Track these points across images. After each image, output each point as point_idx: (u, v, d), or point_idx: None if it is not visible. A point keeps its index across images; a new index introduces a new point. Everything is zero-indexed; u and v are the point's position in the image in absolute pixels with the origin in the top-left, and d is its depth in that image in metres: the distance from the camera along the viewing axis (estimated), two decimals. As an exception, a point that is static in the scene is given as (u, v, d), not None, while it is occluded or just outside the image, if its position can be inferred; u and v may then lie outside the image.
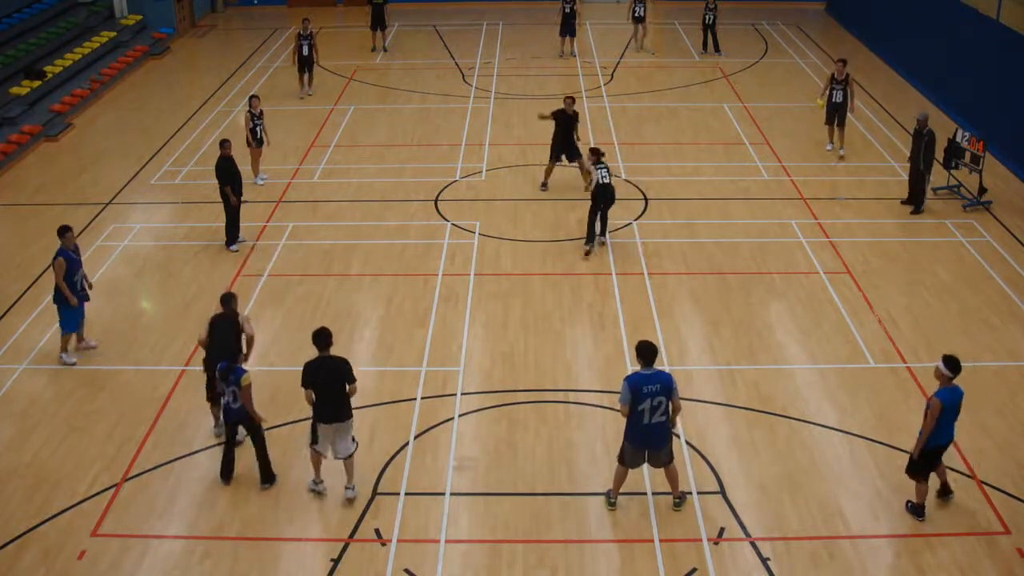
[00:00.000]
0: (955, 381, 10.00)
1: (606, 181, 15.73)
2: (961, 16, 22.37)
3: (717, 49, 27.25)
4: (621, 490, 10.55)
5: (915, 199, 17.49)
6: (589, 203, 15.95)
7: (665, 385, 9.84)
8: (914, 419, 11.69)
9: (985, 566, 9.80)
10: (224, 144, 15.83)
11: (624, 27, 28.90)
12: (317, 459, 10.62)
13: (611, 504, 10.54)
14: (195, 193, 18.54)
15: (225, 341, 11.06)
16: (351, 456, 10.54)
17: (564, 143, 18.17)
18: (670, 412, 9.98)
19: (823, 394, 12.51)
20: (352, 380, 10.24)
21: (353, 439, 10.60)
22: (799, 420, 11.98)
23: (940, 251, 16.16)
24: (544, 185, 18.66)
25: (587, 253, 15.97)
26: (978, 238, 16.57)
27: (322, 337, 10.25)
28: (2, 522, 10.47)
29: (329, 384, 10.19)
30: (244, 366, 10.63)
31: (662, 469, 10.44)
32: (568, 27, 26.75)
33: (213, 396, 11.53)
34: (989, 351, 13.42)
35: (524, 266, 15.75)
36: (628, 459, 10.31)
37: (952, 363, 9.94)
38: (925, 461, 10.25)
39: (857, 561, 9.88)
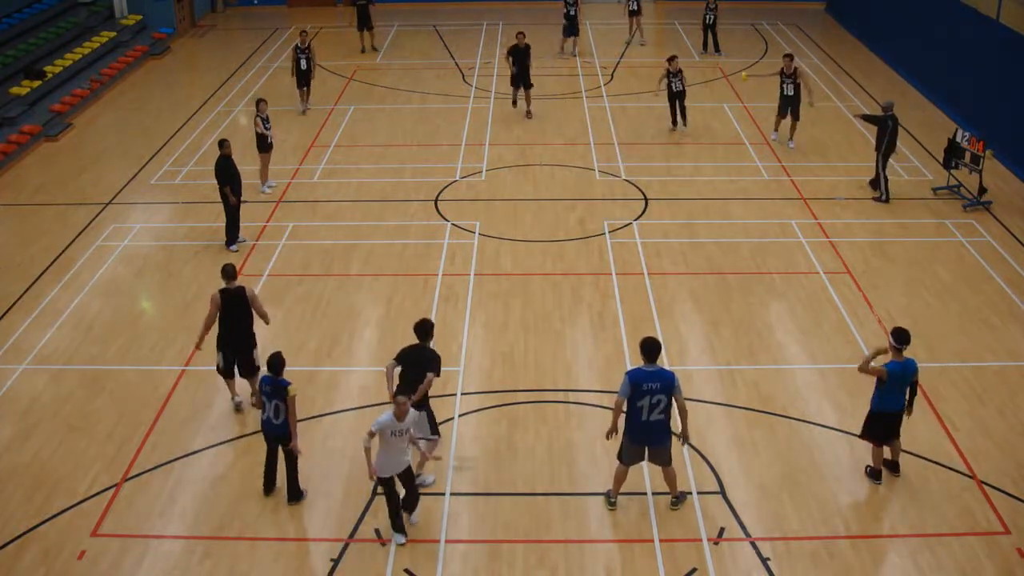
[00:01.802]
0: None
1: (679, 89, 20.40)
2: (961, 16, 22.36)
3: (717, 49, 27.25)
4: (621, 490, 10.55)
5: (875, 184, 18.08)
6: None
7: (666, 383, 9.84)
8: (914, 418, 11.70)
9: (985, 566, 9.80)
10: (223, 144, 15.84)
11: (624, 27, 28.92)
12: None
13: (611, 504, 10.54)
14: (195, 193, 18.55)
15: (240, 315, 11.63)
16: (429, 442, 10.65)
17: (521, 73, 22.04)
18: (671, 411, 9.98)
19: (823, 394, 12.51)
20: (432, 370, 10.60)
21: (436, 431, 10.86)
22: (799, 420, 11.98)
23: (940, 251, 16.16)
24: (515, 103, 22.62)
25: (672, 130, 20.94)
26: (978, 238, 16.57)
27: (419, 327, 10.86)
28: (2, 522, 10.48)
29: (411, 368, 10.66)
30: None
31: (660, 469, 10.44)
32: (572, 28, 26.99)
33: (226, 372, 12.07)
34: (989, 351, 13.42)
35: (524, 266, 15.76)
36: (627, 456, 10.31)
37: (898, 335, 10.40)
38: (875, 425, 10.68)
39: (857, 561, 9.89)
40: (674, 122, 21.30)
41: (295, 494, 10.68)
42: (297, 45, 22.45)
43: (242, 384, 12.36)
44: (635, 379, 9.86)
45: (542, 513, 10.53)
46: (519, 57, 21.81)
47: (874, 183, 18.14)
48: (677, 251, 16.16)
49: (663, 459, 10.30)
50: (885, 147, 17.66)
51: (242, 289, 11.79)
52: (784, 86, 19.75)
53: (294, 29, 30.74)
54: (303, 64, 22.35)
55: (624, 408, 10.00)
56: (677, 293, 14.88)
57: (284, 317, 14.34)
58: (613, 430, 10.17)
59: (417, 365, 10.62)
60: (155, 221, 17.69)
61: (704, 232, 16.81)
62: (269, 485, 10.79)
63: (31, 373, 13.17)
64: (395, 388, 10.54)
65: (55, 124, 22.04)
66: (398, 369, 10.74)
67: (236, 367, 12.09)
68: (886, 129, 17.54)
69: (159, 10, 29.64)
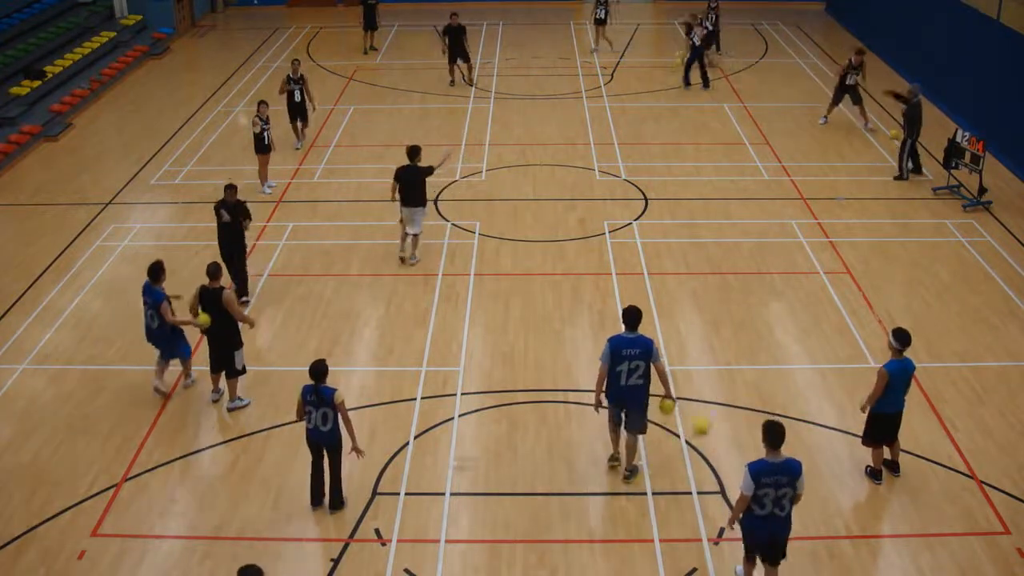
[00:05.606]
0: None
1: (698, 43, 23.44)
2: (961, 16, 22.36)
3: (718, 49, 27.22)
4: (621, 491, 10.63)
5: (900, 167, 19.02)
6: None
7: (644, 349, 10.21)
8: (914, 418, 11.73)
9: (985, 566, 9.80)
10: (229, 189, 14.16)
11: (623, 27, 28.91)
12: None
13: (613, 463, 10.95)
14: (195, 193, 18.55)
15: (216, 314, 11.80)
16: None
17: (457, 50, 24.14)
18: (650, 378, 10.34)
19: (823, 394, 12.51)
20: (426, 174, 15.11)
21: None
22: (799, 420, 11.98)
23: (940, 251, 16.16)
24: (451, 82, 24.70)
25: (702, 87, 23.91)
26: (978, 238, 16.56)
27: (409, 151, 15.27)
28: (2, 522, 10.47)
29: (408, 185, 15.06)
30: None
31: (627, 438, 10.79)
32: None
33: (210, 366, 12.27)
34: (989, 351, 13.42)
35: (524, 266, 15.75)
36: (610, 416, 10.78)
37: (900, 336, 10.48)
38: (876, 427, 10.74)
39: (857, 561, 9.89)
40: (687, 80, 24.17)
41: (337, 503, 10.51)
42: (289, 75, 20.15)
43: (241, 382, 12.39)
44: (615, 345, 10.23)
45: (542, 513, 10.53)
46: (453, 35, 23.84)
47: (916, 169, 18.98)
48: (677, 251, 16.16)
49: (638, 424, 10.62)
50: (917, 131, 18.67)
51: (220, 291, 11.83)
52: (849, 76, 21.14)
53: (294, 29, 30.77)
54: (296, 96, 20.13)
55: (606, 375, 10.37)
56: (677, 293, 14.88)
57: (284, 317, 14.34)
58: (598, 403, 10.58)
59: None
60: (155, 221, 17.69)
61: (704, 232, 16.80)
62: (318, 496, 10.54)
63: (31, 373, 13.17)
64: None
65: (55, 124, 22.04)
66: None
67: (219, 364, 12.21)
68: (918, 111, 18.52)
69: (159, 10, 29.64)
